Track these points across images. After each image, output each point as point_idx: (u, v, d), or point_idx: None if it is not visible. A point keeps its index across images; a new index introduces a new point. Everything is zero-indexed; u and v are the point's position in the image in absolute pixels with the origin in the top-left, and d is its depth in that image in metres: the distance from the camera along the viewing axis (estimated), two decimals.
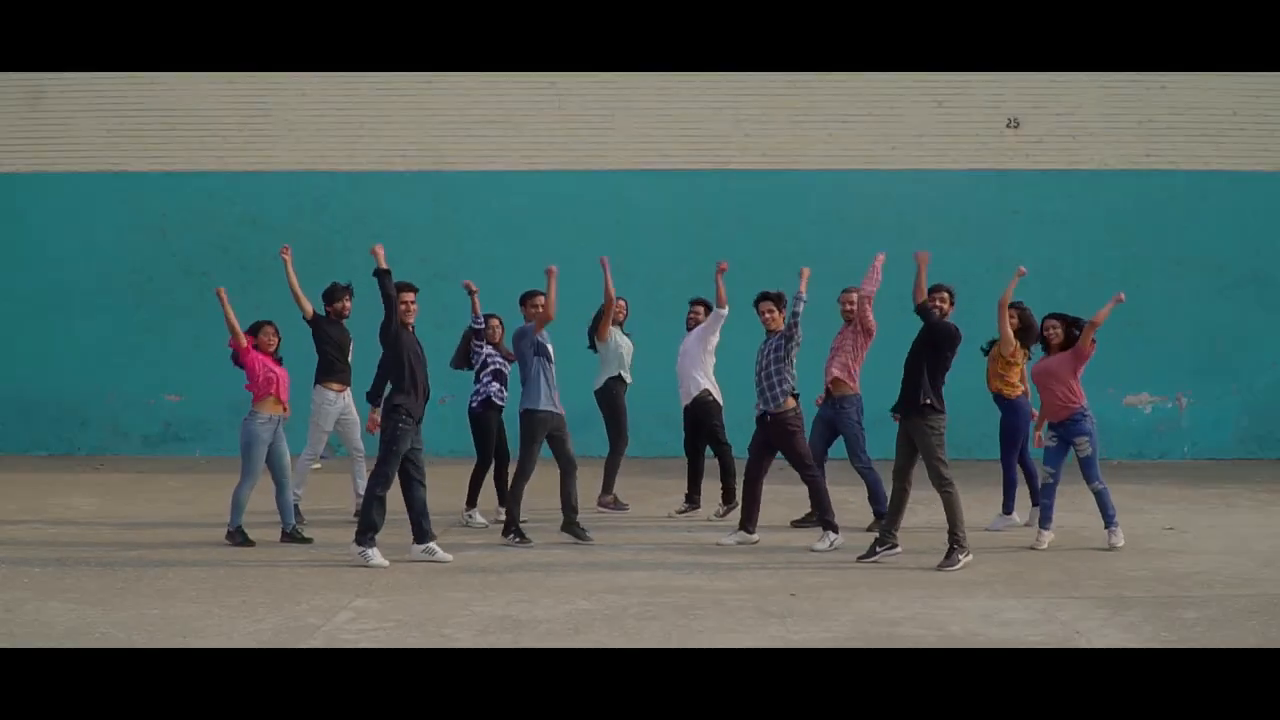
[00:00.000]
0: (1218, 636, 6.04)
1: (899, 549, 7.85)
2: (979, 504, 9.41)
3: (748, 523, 8.42)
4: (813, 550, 8.18)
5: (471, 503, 9.28)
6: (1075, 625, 6.27)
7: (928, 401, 7.73)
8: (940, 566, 7.61)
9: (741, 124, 13.52)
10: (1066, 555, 8.10)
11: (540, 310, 8.62)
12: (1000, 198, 13.51)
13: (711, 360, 9.52)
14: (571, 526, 8.48)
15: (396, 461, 7.75)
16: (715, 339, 9.49)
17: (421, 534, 7.83)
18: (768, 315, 8.47)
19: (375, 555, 7.61)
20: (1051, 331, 8.42)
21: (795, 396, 8.31)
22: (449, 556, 7.80)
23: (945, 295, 8.21)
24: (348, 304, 9.33)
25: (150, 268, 13.56)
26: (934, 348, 7.82)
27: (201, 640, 5.90)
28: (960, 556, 7.64)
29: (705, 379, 9.45)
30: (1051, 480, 8.34)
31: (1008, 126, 13.49)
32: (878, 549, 7.85)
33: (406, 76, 13.09)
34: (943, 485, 7.77)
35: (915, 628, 6.22)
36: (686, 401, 9.49)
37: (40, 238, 13.50)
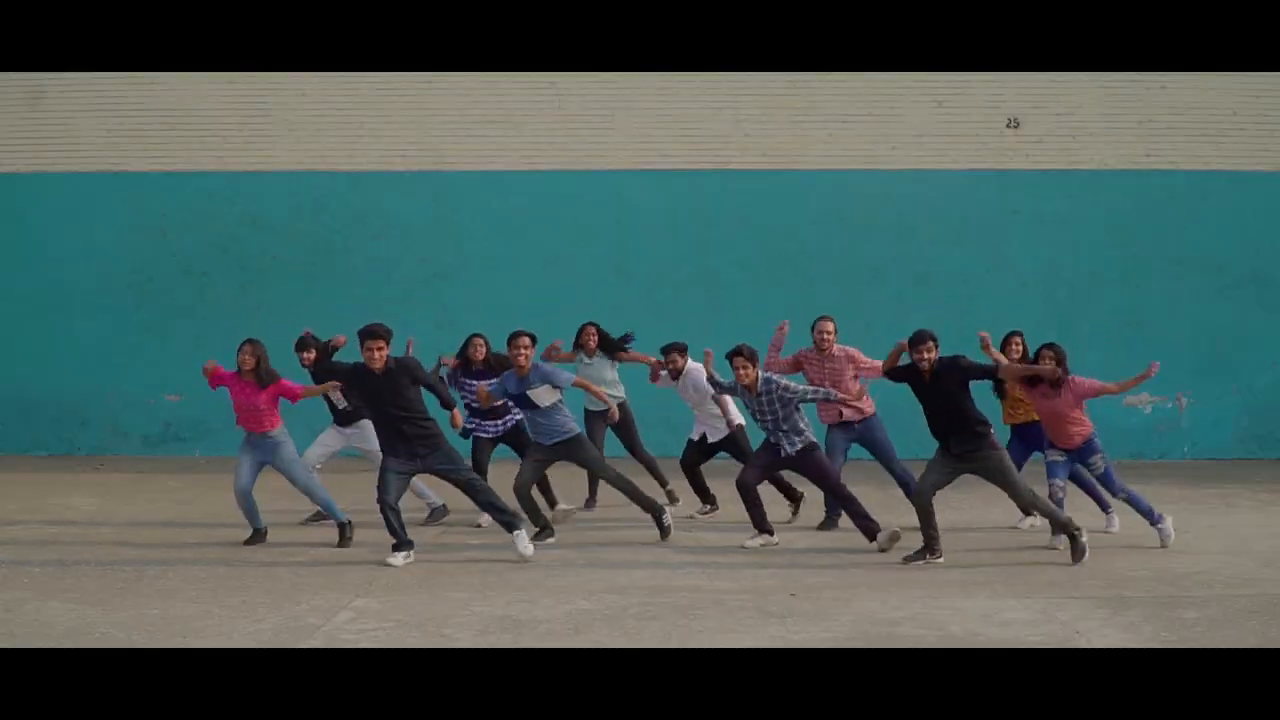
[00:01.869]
0: (1218, 636, 6.04)
1: (942, 558, 7.83)
2: (985, 505, 9.42)
3: (763, 524, 8.37)
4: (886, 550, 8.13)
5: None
6: (1075, 625, 6.27)
7: (980, 429, 7.75)
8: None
9: (741, 124, 13.52)
10: (1066, 555, 8.09)
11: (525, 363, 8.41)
12: (1000, 198, 13.50)
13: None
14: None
15: (384, 479, 7.76)
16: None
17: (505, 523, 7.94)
18: (742, 371, 8.19)
19: (397, 558, 7.68)
20: (1045, 362, 8.22)
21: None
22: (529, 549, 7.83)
23: (932, 345, 7.77)
24: (306, 356, 8.99)
25: (150, 268, 13.56)
26: (963, 385, 7.80)
27: (201, 640, 5.90)
28: None
29: (737, 412, 9.41)
30: (1062, 493, 8.32)
31: (1008, 126, 13.49)
32: (926, 556, 7.79)
33: (406, 76, 13.08)
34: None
35: (915, 628, 6.22)
36: (716, 438, 9.35)
37: (40, 238, 13.50)
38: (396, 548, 7.72)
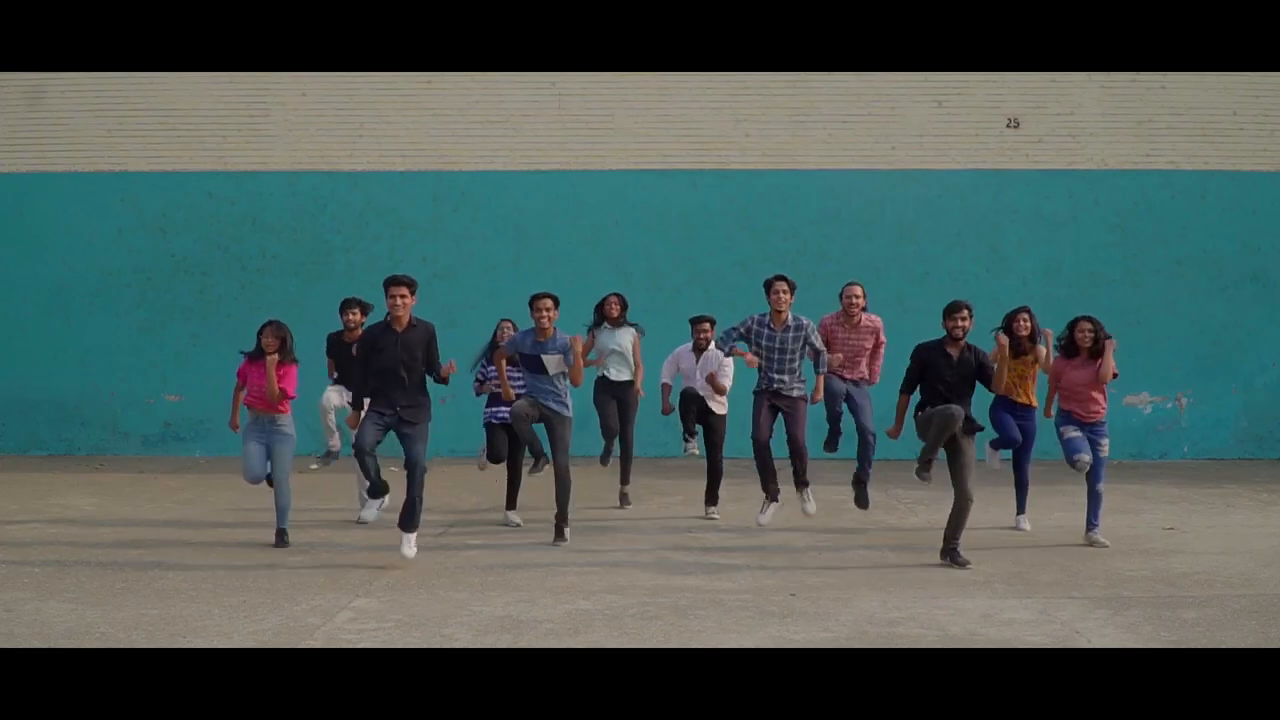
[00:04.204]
0: (1217, 637, 6.05)
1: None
2: (985, 505, 9.41)
3: (776, 491, 8.45)
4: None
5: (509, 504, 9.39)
6: (1075, 625, 6.27)
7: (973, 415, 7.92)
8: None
9: (741, 124, 13.52)
10: (1066, 555, 8.10)
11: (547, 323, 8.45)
12: (1000, 197, 13.52)
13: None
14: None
15: (362, 427, 7.73)
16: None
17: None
18: (784, 296, 8.32)
19: (371, 509, 7.96)
20: (1083, 335, 8.43)
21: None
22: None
23: (967, 314, 7.92)
24: (350, 316, 9.19)
25: (150, 268, 13.57)
26: (978, 371, 7.94)
27: (201, 640, 5.90)
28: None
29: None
30: (1088, 463, 8.32)
31: (1008, 126, 13.50)
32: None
33: (406, 76, 13.10)
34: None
35: (915, 628, 6.22)
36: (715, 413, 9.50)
37: (40, 237, 13.51)
38: (373, 493, 7.89)
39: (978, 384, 7.93)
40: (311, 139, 13.53)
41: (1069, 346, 8.50)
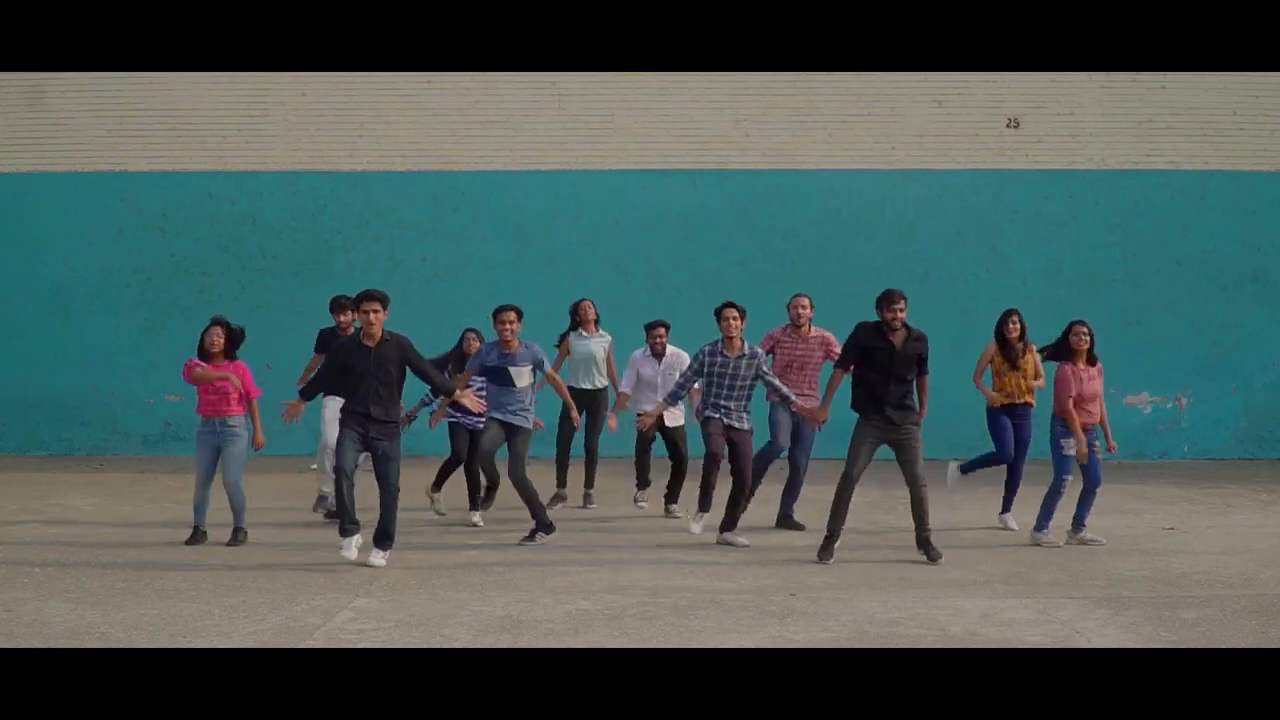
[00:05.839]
0: (1217, 637, 6.05)
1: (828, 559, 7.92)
2: (984, 505, 9.42)
3: (708, 503, 8.44)
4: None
5: (472, 501, 9.36)
6: (1075, 625, 6.27)
7: (912, 403, 7.88)
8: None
9: (741, 124, 13.52)
10: (1066, 555, 8.10)
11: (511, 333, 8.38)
12: (1000, 197, 13.52)
13: None
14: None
15: (341, 446, 7.62)
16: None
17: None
18: (734, 322, 8.28)
19: (350, 549, 7.61)
20: (1079, 339, 8.36)
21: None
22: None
23: (903, 304, 7.85)
24: (342, 318, 9.10)
25: (150, 268, 13.57)
26: (924, 359, 7.92)
27: (201, 640, 5.90)
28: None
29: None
30: (1064, 488, 8.39)
31: (1008, 126, 13.50)
32: (823, 553, 7.90)
33: (406, 76, 13.10)
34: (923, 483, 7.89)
35: (915, 628, 6.22)
36: (672, 422, 9.46)
37: (40, 237, 13.51)
38: (345, 531, 7.56)
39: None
40: (311, 139, 13.53)
41: (1063, 349, 8.38)
